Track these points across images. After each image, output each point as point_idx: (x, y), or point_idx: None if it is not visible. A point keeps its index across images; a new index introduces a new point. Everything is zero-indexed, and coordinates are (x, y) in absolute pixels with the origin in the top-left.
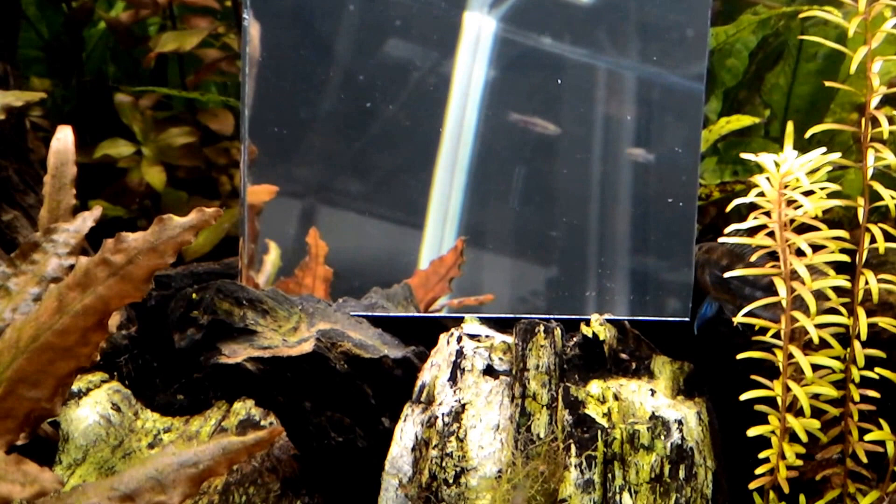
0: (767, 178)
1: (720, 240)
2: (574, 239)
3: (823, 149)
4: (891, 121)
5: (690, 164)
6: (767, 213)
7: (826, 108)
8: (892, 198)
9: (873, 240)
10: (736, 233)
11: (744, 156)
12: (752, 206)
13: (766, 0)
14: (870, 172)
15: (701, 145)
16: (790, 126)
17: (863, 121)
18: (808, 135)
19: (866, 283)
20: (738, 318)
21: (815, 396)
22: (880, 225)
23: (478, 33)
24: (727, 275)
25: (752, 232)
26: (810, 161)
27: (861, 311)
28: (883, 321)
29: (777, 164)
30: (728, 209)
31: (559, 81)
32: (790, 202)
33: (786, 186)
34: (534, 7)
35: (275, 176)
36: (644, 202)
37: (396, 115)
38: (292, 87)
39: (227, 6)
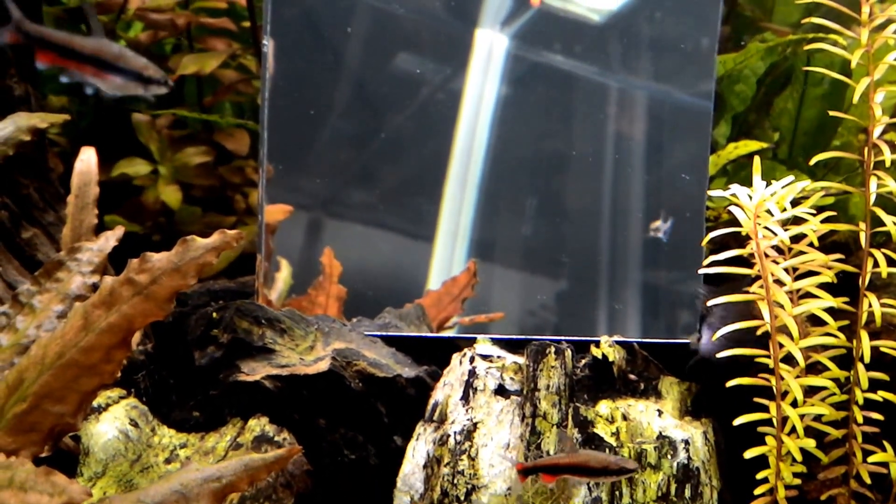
0: (742, 210)
1: (700, 271)
2: (582, 260)
3: (791, 177)
4: (892, 147)
5: (698, 184)
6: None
7: (833, 130)
8: (895, 224)
9: (876, 264)
10: (714, 264)
11: (713, 193)
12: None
13: (774, 25)
14: (872, 198)
15: (709, 164)
16: (757, 160)
17: (865, 150)
18: (812, 162)
19: (869, 306)
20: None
21: (818, 418)
22: (883, 250)
23: (489, 50)
24: (710, 303)
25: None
26: (781, 191)
27: (864, 334)
28: (886, 345)
29: (749, 196)
30: (703, 242)
31: (569, 99)
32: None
33: (759, 216)
34: (545, 25)
35: (291, 195)
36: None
37: (411, 132)
38: (309, 109)
39: (243, 27)
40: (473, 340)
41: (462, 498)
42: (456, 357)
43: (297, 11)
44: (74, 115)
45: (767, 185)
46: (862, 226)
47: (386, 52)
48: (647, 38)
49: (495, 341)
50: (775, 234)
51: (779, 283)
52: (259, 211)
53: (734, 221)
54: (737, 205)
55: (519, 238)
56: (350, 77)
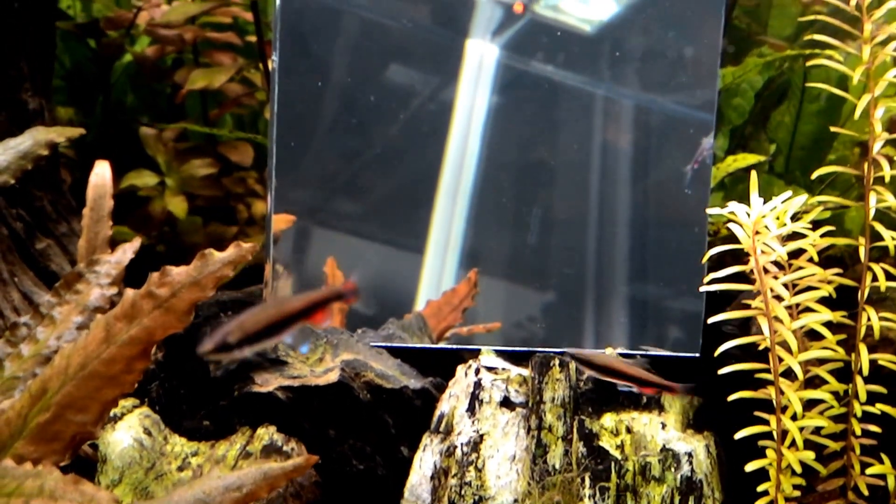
0: (741, 227)
1: (701, 289)
2: (584, 276)
3: (789, 192)
4: (891, 162)
5: (700, 199)
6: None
7: (829, 145)
8: (893, 238)
9: (875, 278)
10: (714, 281)
11: (711, 211)
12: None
13: (770, 38)
14: (872, 213)
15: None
16: (754, 176)
17: (865, 164)
18: (813, 176)
19: (868, 319)
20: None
21: (818, 431)
22: (882, 264)
23: (480, 61)
24: (711, 320)
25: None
26: (779, 207)
27: (863, 347)
28: (884, 358)
29: (748, 214)
30: (703, 260)
31: (567, 110)
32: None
33: (758, 233)
34: (537, 35)
35: (294, 206)
36: (653, 238)
37: (411, 144)
38: (314, 123)
39: (247, 41)
40: (478, 352)
41: None
42: (461, 369)
43: (303, 28)
44: (79, 127)
45: (765, 202)
46: (861, 240)
47: (384, 66)
48: (644, 49)
49: (499, 353)
50: (774, 250)
51: (778, 298)
52: (267, 222)
53: (733, 237)
54: (735, 222)
55: (512, 250)
56: (352, 91)
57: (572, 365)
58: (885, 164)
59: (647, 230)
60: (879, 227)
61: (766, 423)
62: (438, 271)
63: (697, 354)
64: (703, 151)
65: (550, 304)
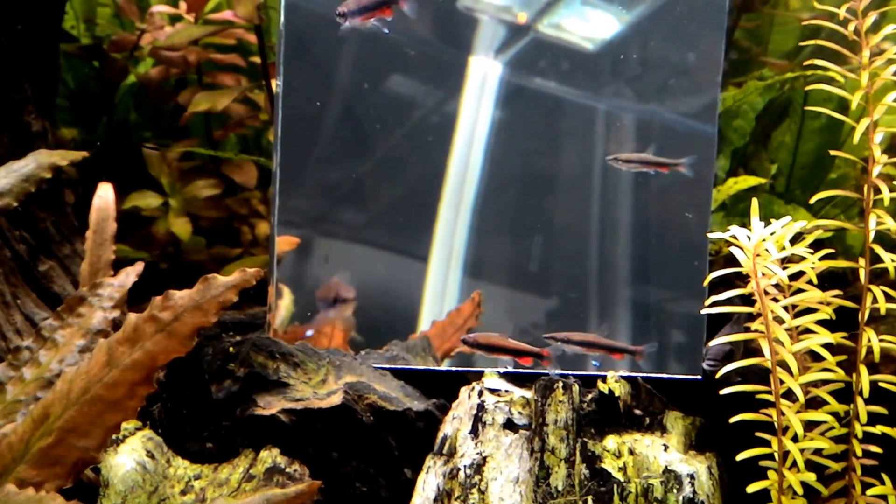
0: (742, 250)
1: (702, 311)
2: (586, 292)
3: (789, 217)
4: (890, 180)
5: (701, 221)
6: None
7: (831, 163)
8: (893, 261)
9: (875, 300)
10: (716, 304)
11: (713, 236)
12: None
13: (770, 59)
14: (871, 235)
15: (712, 203)
16: (755, 201)
17: (865, 187)
18: (812, 200)
19: (868, 340)
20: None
21: (819, 452)
22: (882, 287)
23: (484, 78)
24: (712, 342)
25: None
26: (780, 231)
27: (863, 369)
28: (884, 379)
29: (748, 237)
30: (706, 283)
31: (570, 126)
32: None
33: (758, 255)
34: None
35: (299, 226)
36: (655, 254)
37: (420, 162)
38: (318, 144)
39: (251, 61)
40: (481, 374)
41: None
42: (464, 391)
43: (307, 51)
44: (83, 146)
45: (766, 225)
46: (861, 262)
47: (389, 87)
48: (647, 65)
49: (502, 374)
50: (774, 273)
51: (779, 320)
52: (270, 244)
53: (734, 259)
54: (736, 245)
55: (514, 261)
56: (356, 113)
57: (575, 387)
58: (884, 188)
59: (649, 246)
60: (879, 250)
61: (768, 444)
62: (442, 283)
63: (699, 377)
64: (679, 164)
65: (552, 318)
